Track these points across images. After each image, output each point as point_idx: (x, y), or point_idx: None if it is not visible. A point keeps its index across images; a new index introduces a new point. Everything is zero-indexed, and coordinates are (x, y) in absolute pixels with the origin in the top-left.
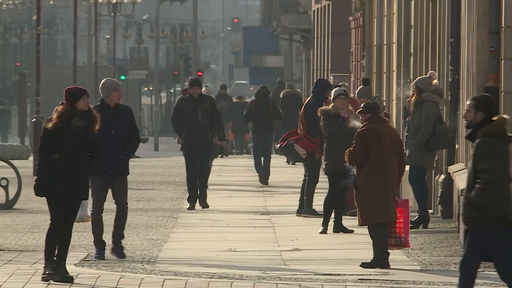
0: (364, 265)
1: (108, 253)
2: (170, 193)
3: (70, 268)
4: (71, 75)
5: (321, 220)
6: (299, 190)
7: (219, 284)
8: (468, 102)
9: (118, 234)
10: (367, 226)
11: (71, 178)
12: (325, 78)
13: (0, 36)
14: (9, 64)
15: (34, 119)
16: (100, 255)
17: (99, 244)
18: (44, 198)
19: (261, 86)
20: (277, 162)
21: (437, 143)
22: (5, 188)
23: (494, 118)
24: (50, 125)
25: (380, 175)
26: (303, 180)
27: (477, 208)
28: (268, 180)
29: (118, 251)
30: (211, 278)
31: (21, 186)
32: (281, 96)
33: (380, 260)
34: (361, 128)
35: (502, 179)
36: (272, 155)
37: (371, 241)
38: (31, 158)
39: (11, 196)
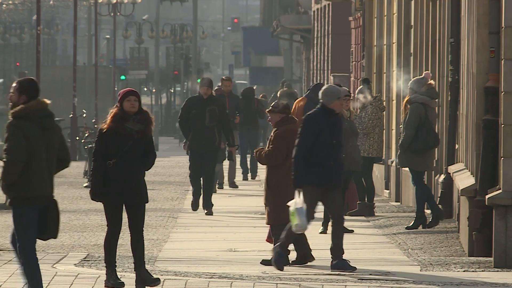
0: (264, 262)
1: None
2: (170, 193)
3: (70, 268)
4: (71, 75)
5: (319, 220)
6: None
7: (219, 284)
8: (13, 85)
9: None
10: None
11: (127, 183)
12: (322, 82)
13: (0, 36)
14: (9, 64)
15: None
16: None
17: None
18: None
19: (246, 88)
20: None
21: (419, 145)
22: None
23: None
24: (104, 126)
25: None
26: None
27: (5, 186)
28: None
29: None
30: (211, 278)
31: None
32: (278, 95)
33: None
34: (276, 129)
35: (22, 159)
36: None
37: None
38: None
39: None
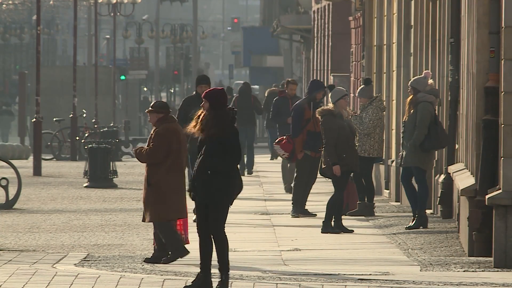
0: (165, 260)
1: (108, 252)
2: None
3: (70, 268)
4: (71, 75)
5: (320, 220)
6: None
7: None
8: None
9: None
10: (154, 223)
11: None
12: (319, 79)
13: (0, 36)
14: (9, 64)
15: (34, 119)
16: None
17: None
18: (43, 198)
19: (243, 83)
20: (276, 161)
21: (432, 144)
22: (5, 188)
23: None
24: (221, 132)
25: (178, 174)
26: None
27: None
28: (253, 171)
29: None
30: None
31: (21, 186)
32: (265, 95)
33: (177, 252)
34: (155, 128)
35: None
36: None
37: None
38: (31, 158)
39: (11, 196)
